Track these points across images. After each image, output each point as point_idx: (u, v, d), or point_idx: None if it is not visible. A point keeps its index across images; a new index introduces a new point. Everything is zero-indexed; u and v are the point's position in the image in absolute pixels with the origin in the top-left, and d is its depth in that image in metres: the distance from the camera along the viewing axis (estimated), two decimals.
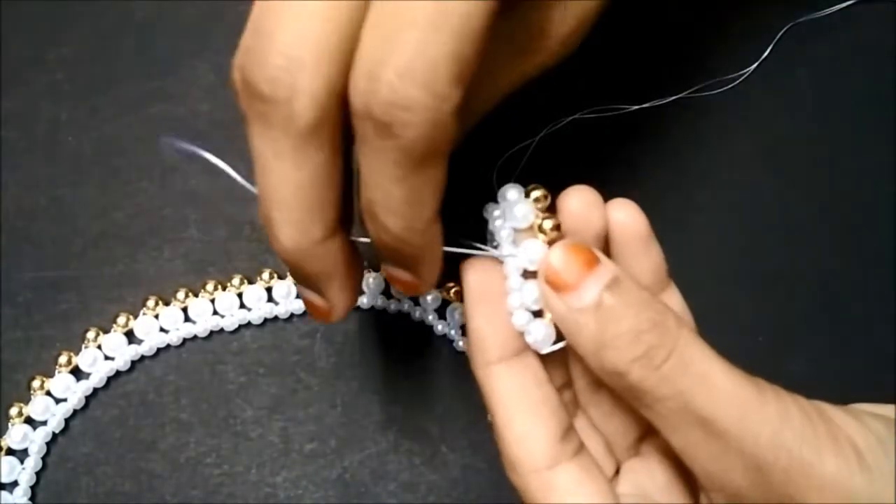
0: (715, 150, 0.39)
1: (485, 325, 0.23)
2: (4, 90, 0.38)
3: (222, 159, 0.38)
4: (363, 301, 0.35)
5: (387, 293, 0.36)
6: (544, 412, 0.23)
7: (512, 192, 0.24)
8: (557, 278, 0.22)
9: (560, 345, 0.23)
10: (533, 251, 0.22)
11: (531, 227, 0.23)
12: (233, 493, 0.33)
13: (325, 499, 0.33)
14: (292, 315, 0.36)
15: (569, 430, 0.23)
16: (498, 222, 0.24)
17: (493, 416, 0.23)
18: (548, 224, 0.23)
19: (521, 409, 0.23)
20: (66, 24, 0.40)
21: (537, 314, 0.23)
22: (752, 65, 0.39)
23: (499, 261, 0.23)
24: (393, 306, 0.35)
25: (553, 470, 0.22)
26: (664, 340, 0.20)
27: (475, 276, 0.23)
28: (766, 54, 0.39)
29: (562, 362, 0.25)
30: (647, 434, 0.25)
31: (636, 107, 0.38)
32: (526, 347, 0.23)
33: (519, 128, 0.36)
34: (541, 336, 0.23)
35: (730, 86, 0.38)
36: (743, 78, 0.39)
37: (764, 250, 0.37)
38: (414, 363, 0.35)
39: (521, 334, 0.23)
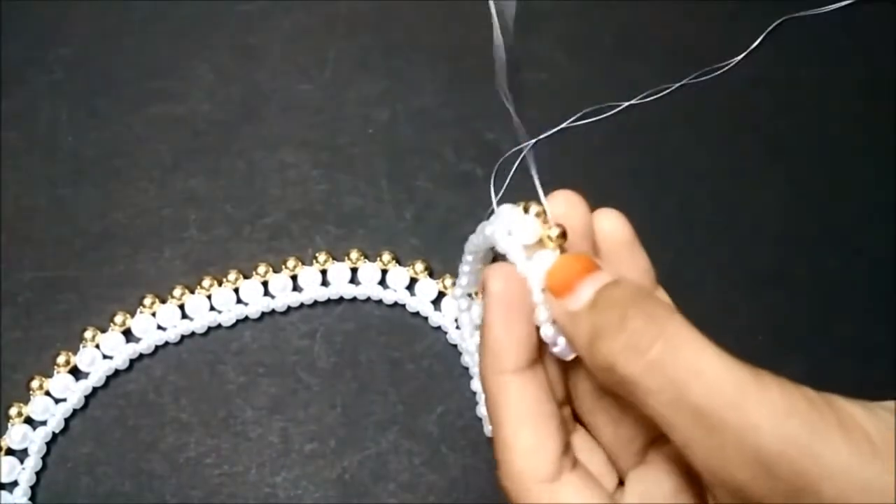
0: (715, 149, 0.39)
1: (504, 335, 0.23)
2: (4, 90, 0.38)
3: (222, 159, 0.39)
4: (360, 292, 0.35)
5: (383, 283, 0.36)
6: (551, 426, 0.23)
7: (510, 211, 0.24)
8: (557, 284, 0.22)
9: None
10: (547, 260, 0.23)
11: (539, 240, 0.24)
12: (233, 493, 0.33)
13: (325, 499, 0.33)
14: (289, 308, 0.36)
15: (568, 445, 0.23)
16: (504, 243, 0.24)
17: (499, 425, 0.23)
18: (554, 233, 0.23)
19: (529, 420, 0.23)
20: (66, 24, 0.40)
21: None
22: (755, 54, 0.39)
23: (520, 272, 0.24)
24: (389, 297, 0.35)
25: (556, 482, 0.22)
26: (649, 327, 0.20)
27: (498, 284, 0.23)
28: (753, 46, 0.39)
29: (560, 379, 0.25)
30: (653, 442, 0.25)
31: (627, 103, 0.38)
32: (538, 360, 0.24)
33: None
34: (564, 346, 0.23)
35: (716, 73, 0.38)
36: (728, 68, 0.39)
37: (764, 250, 0.37)
38: (413, 362, 0.35)
39: (541, 346, 0.24)
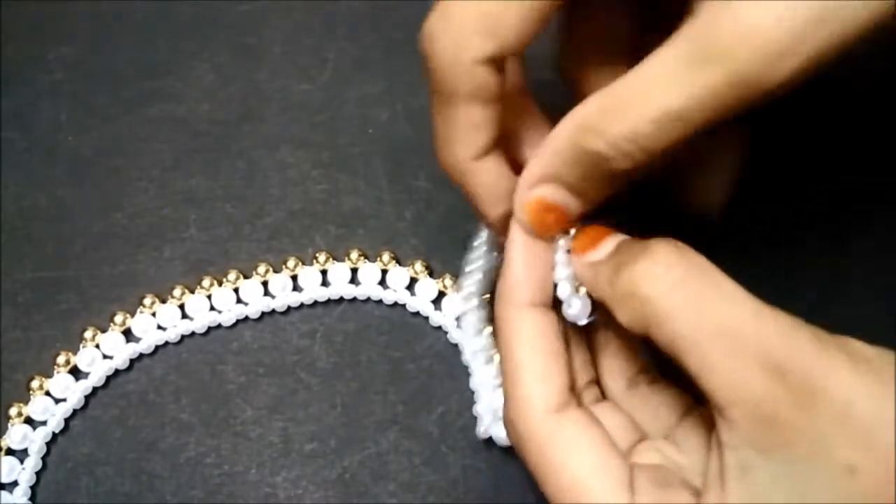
0: None
1: (523, 270, 0.24)
2: (4, 90, 0.38)
3: (222, 158, 0.39)
4: (360, 292, 0.36)
5: (383, 284, 0.36)
6: (560, 361, 0.24)
7: None
8: (581, 243, 0.24)
9: (594, 317, 0.25)
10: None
11: None
12: (233, 493, 0.33)
13: (325, 499, 0.33)
14: (289, 308, 0.36)
15: (574, 387, 0.24)
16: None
17: (508, 356, 0.24)
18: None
19: (538, 351, 0.23)
20: (66, 24, 0.40)
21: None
22: None
23: None
24: (389, 297, 0.35)
25: (560, 414, 0.23)
26: (671, 253, 0.21)
27: (521, 228, 0.24)
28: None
29: (589, 362, 0.26)
30: (682, 419, 0.25)
31: None
32: (551, 304, 0.25)
33: None
34: (579, 308, 0.24)
35: None
36: None
37: (764, 250, 0.37)
38: (413, 362, 0.35)
39: (560, 304, 0.25)
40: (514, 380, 0.23)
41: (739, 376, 0.20)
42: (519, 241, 0.24)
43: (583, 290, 0.24)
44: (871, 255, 0.36)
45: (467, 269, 0.28)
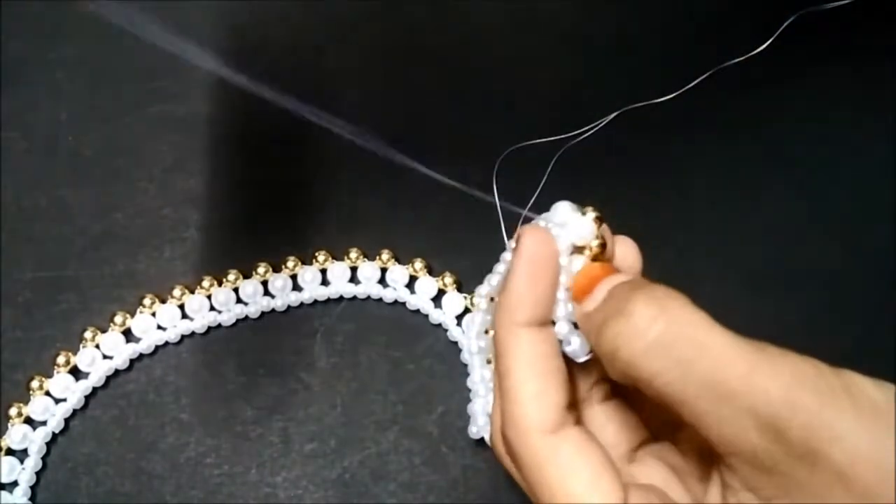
0: (715, 148, 0.39)
1: (525, 289, 0.24)
2: (4, 90, 0.38)
3: (222, 158, 0.39)
4: (360, 291, 0.36)
5: (382, 282, 0.36)
6: (558, 379, 0.23)
7: (568, 208, 0.25)
8: (579, 287, 0.24)
9: (591, 355, 0.24)
10: (577, 265, 0.24)
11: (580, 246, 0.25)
12: (233, 493, 0.33)
13: (325, 499, 0.33)
14: (289, 307, 0.36)
15: (573, 405, 0.24)
16: (555, 232, 0.25)
17: (506, 374, 0.24)
18: (595, 243, 0.24)
19: (539, 371, 0.23)
20: (66, 24, 0.40)
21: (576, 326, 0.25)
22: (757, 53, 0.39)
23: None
24: (389, 295, 0.36)
25: (557, 434, 0.23)
26: (649, 308, 0.21)
27: (532, 240, 0.24)
28: (769, 42, 0.39)
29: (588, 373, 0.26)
30: (643, 444, 0.25)
31: (633, 105, 0.38)
32: (550, 321, 0.24)
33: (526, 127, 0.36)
34: (577, 347, 0.24)
35: (733, 61, 0.38)
36: (727, 68, 0.38)
37: (764, 250, 0.37)
38: (413, 362, 0.35)
39: (560, 342, 0.24)
40: (512, 398, 0.23)
41: (734, 431, 0.20)
42: (524, 258, 0.24)
43: None
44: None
45: (499, 267, 0.28)
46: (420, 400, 0.35)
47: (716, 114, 0.39)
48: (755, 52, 0.39)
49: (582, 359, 0.24)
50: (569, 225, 0.25)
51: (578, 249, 0.24)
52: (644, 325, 0.20)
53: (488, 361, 0.31)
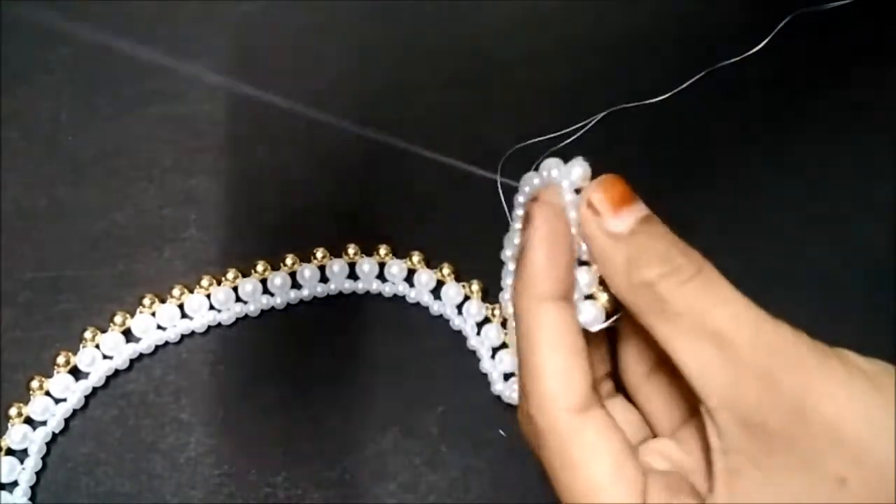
0: (715, 148, 0.39)
1: (544, 262, 0.24)
2: (4, 90, 0.38)
3: (223, 158, 0.39)
4: (360, 287, 0.36)
5: (381, 277, 0.36)
6: (583, 358, 0.23)
7: (558, 161, 0.25)
8: (599, 203, 0.23)
9: (607, 323, 0.24)
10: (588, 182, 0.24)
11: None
12: (233, 493, 0.33)
13: (325, 499, 0.33)
14: (289, 305, 0.36)
15: (596, 387, 0.24)
16: (561, 182, 0.24)
17: (530, 350, 0.23)
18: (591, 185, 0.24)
19: (563, 346, 0.23)
20: (66, 24, 0.40)
21: (588, 298, 0.24)
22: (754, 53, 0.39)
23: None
24: (388, 289, 0.36)
25: (583, 414, 0.22)
26: (692, 261, 0.22)
27: (544, 215, 0.24)
28: (765, 42, 0.39)
29: (606, 354, 0.26)
30: (693, 416, 0.25)
31: (632, 104, 0.38)
32: (571, 298, 0.24)
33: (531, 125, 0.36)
34: (591, 316, 0.24)
35: (729, 62, 0.38)
36: (728, 66, 0.39)
37: (763, 250, 0.37)
38: (413, 360, 0.35)
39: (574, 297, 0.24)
40: (537, 374, 0.23)
41: (732, 381, 0.20)
42: (542, 230, 0.24)
43: (601, 297, 0.24)
44: None
45: (509, 233, 0.27)
46: (420, 400, 0.35)
47: (715, 113, 0.39)
48: (751, 52, 0.39)
49: (595, 328, 0.24)
50: (567, 171, 0.24)
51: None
52: (685, 276, 0.22)
53: (503, 323, 0.30)
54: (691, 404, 0.25)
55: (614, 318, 0.24)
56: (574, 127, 0.38)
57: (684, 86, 0.38)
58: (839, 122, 0.39)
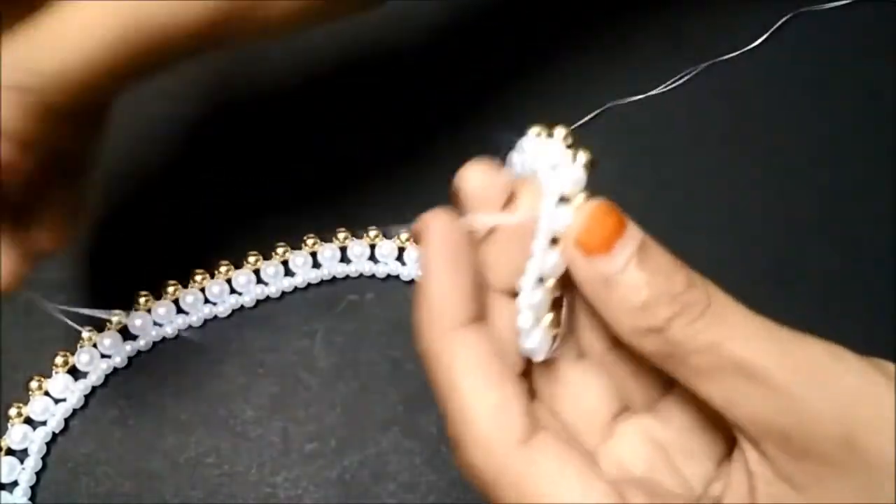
0: (715, 149, 0.39)
1: (449, 285, 0.21)
2: None
3: (223, 158, 0.39)
4: (352, 270, 0.36)
5: (373, 258, 0.36)
6: (511, 380, 0.20)
7: (557, 148, 0.21)
8: (589, 241, 0.20)
9: (554, 355, 0.22)
10: (563, 217, 0.21)
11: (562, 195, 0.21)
12: (233, 493, 0.33)
13: (325, 499, 0.33)
14: (283, 293, 0.36)
15: (529, 404, 0.21)
16: (542, 177, 0.21)
17: (452, 390, 0.20)
18: (582, 195, 0.21)
19: (492, 377, 0.20)
20: None
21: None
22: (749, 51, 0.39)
23: (459, 216, 0.21)
24: (380, 270, 0.36)
25: (530, 444, 0.20)
26: (699, 291, 0.20)
27: (438, 233, 0.21)
28: (761, 40, 0.39)
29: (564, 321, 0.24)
30: (669, 390, 0.23)
31: (626, 100, 0.38)
32: (484, 313, 0.21)
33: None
34: (538, 343, 0.21)
35: (721, 58, 0.38)
36: (728, 62, 0.39)
37: (763, 250, 0.37)
38: (413, 361, 0.35)
39: (517, 341, 0.22)
40: (468, 419, 0.20)
41: (769, 409, 0.19)
42: (439, 251, 0.21)
43: (546, 319, 0.21)
44: None
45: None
46: (420, 400, 0.35)
47: (714, 112, 0.39)
48: (747, 48, 0.39)
49: (540, 357, 0.21)
50: (558, 169, 0.20)
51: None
52: (695, 315, 0.20)
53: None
54: (664, 378, 0.22)
55: (555, 345, 0.22)
56: (574, 127, 0.38)
57: (681, 81, 0.38)
58: (837, 120, 0.39)
